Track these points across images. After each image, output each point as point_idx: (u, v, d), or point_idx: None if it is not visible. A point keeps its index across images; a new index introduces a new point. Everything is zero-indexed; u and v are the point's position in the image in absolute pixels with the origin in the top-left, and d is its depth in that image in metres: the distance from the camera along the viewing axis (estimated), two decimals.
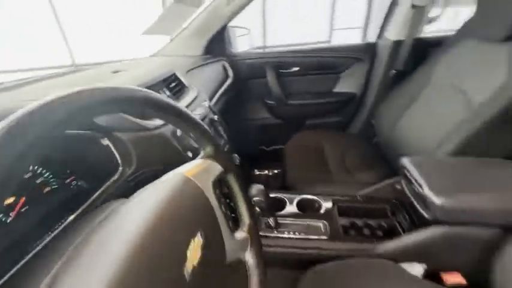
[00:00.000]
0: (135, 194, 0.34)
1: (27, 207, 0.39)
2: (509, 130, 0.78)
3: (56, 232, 0.36)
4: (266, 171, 1.45)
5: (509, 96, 0.74)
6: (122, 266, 0.23)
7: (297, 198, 0.87)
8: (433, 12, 1.18)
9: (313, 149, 1.24)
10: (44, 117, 0.20)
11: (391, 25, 1.24)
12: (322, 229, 0.75)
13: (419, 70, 1.12)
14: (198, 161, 0.40)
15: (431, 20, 1.17)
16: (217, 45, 1.31)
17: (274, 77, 1.41)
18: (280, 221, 0.78)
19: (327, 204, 0.84)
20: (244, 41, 1.59)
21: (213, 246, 0.35)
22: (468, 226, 0.61)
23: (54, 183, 0.43)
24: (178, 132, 0.59)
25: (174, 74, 0.86)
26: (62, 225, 0.37)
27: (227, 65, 1.35)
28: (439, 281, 0.64)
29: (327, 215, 0.80)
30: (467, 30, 0.98)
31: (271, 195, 0.88)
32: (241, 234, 0.42)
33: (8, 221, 0.36)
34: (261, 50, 1.60)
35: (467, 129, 0.79)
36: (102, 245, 0.26)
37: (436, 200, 0.60)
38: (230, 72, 1.33)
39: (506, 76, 0.77)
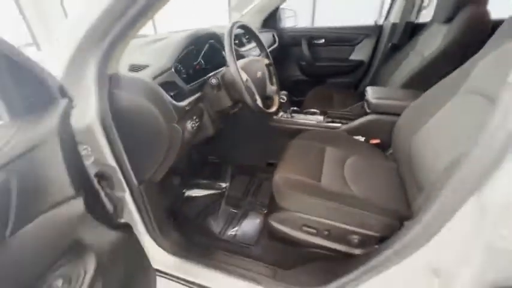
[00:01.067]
0: None
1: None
2: (434, 74, 1.32)
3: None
4: None
5: (437, 53, 1.28)
6: None
7: (305, 111, 1.54)
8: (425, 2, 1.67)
9: (325, 98, 1.86)
10: (235, 26, 0.91)
11: (393, 12, 1.76)
12: (314, 120, 1.41)
13: (407, 44, 1.64)
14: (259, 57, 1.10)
15: (420, 9, 1.67)
16: (271, 21, 1.98)
17: (307, 45, 2.03)
18: (293, 114, 1.46)
19: (321, 115, 1.49)
20: (291, 20, 2.22)
21: (265, 80, 1.04)
22: (386, 115, 1.21)
23: (206, 65, 1.16)
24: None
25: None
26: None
27: (276, 35, 2.01)
28: None
29: (318, 118, 1.45)
30: (434, 16, 1.49)
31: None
32: (273, 87, 1.12)
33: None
34: (300, 26, 2.20)
35: (412, 71, 1.35)
36: None
37: (371, 99, 1.22)
38: (277, 40, 1.99)
39: (440, 42, 1.30)
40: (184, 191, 1.40)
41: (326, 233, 0.89)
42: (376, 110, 1.23)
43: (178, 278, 1.05)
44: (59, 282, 0.47)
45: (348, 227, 0.85)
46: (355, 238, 0.85)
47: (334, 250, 0.91)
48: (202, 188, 1.43)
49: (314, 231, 0.91)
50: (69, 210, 0.51)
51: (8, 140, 0.39)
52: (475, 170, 0.47)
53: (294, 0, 1.95)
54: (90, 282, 0.50)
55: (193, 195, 1.38)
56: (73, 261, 0.51)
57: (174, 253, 1.05)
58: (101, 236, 0.58)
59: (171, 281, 1.06)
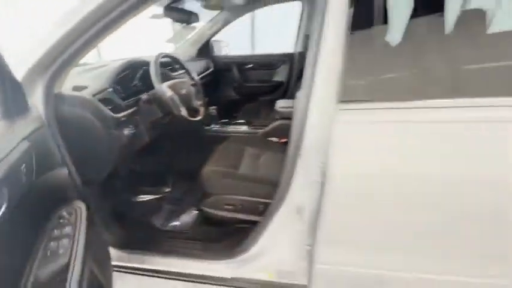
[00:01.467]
0: None
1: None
2: None
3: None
4: None
5: None
6: None
7: (233, 121, 1.87)
8: None
9: (254, 113, 2.23)
10: (160, 55, 1.20)
11: (299, 42, 2.28)
12: (240, 128, 1.74)
13: None
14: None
15: None
16: (205, 51, 2.33)
17: (237, 70, 2.43)
18: (224, 125, 1.77)
19: (246, 125, 1.83)
20: (225, 49, 2.62)
21: (190, 96, 1.33)
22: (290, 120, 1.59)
23: (142, 86, 1.41)
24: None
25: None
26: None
27: (210, 62, 2.36)
28: None
29: (243, 127, 1.79)
30: None
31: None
32: (199, 102, 1.41)
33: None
34: (231, 54, 2.61)
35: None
36: None
37: (277, 109, 1.59)
38: (211, 66, 2.34)
39: None
40: (129, 197, 1.55)
41: (240, 207, 1.18)
42: (282, 116, 1.61)
43: (125, 267, 1.20)
44: (65, 213, 0.75)
45: (253, 198, 1.15)
46: (260, 207, 1.15)
47: (248, 221, 1.19)
48: (145, 194, 1.61)
49: (232, 207, 1.19)
50: (61, 173, 0.82)
51: (18, 127, 0.66)
52: (295, 134, 0.82)
53: (234, 31, 2.34)
54: (86, 215, 0.77)
55: (138, 200, 1.55)
56: (70, 205, 0.79)
57: (120, 247, 1.21)
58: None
59: (120, 273, 1.21)
